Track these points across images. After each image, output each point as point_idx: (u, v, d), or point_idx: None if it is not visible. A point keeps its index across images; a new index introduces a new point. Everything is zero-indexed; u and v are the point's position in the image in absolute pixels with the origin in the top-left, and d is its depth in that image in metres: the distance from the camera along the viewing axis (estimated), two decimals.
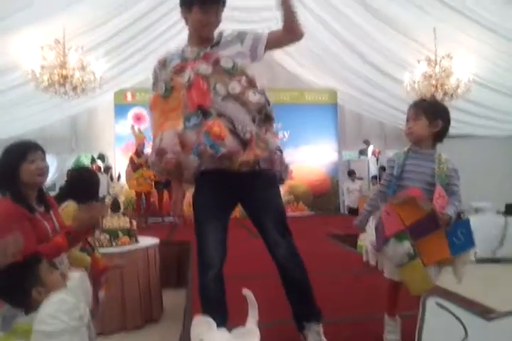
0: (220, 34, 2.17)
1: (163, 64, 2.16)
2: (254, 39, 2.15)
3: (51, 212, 2.11)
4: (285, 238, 2.12)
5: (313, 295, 2.19)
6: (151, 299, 4.30)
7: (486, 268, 4.88)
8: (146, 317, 4.20)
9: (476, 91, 6.95)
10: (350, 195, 9.34)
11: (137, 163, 7.54)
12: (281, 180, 2.23)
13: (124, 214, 4.31)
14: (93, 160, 8.69)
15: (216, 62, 2.03)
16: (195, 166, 2.01)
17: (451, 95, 6.77)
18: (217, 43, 2.13)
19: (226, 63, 2.03)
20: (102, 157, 8.64)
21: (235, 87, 2.00)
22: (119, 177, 5.72)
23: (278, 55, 9.57)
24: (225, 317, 2.05)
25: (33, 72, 5.79)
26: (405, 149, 2.18)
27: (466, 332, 1.42)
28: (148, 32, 7.42)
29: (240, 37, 2.15)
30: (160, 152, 2.02)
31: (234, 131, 1.95)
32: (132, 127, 8.71)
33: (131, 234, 4.21)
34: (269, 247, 2.13)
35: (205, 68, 2.01)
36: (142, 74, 9.45)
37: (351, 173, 9.37)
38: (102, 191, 8.23)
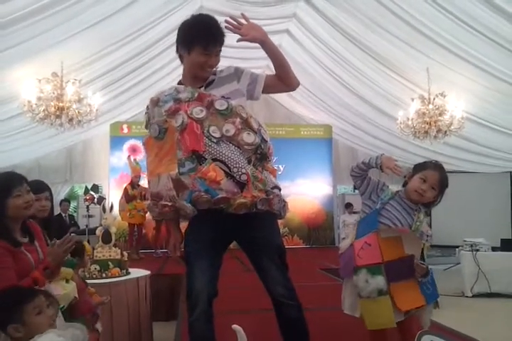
0: (214, 71, 2.15)
1: (155, 103, 2.13)
2: (251, 78, 2.15)
3: (35, 243, 2.07)
4: (284, 277, 2.08)
5: (308, 334, 2.12)
6: (140, 332, 4.19)
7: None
8: None
9: (469, 128, 7.05)
10: (346, 228, 9.28)
11: (131, 195, 7.51)
12: (280, 217, 2.19)
13: (115, 245, 4.26)
14: (86, 191, 8.65)
15: (210, 105, 2.02)
16: (190, 213, 1.98)
17: (445, 132, 6.86)
18: (212, 81, 2.12)
19: (220, 105, 2.02)
20: (95, 188, 8.61)
21: (230, 129, 2.00)
22: (111, 208, 5.67)
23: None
24: None
25: (30, 103, 5.84)
26: (394, 191, 2.23)
27: None
28: (145, 68, 7.56)
29: (237, 74, 2.15)
30: (155, 197, 2.03)
31: (229, 174, 1.95)
32: (129, 158, 8.73)
33: (121, 266, 4.14)
34: (267, 284, 2.09)
35: (198, 111, 2.00)
36: (138, 108, 9.59)
37: (348, 206, 9.36)
38: (95, 222, 8.18)
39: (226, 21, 2.06)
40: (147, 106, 2.19)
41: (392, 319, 1.96)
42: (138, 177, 7.86)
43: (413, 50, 6.06)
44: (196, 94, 2.06)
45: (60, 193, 9.43)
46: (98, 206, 8.33)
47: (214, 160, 1.95)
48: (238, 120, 2.03)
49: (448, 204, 8.29)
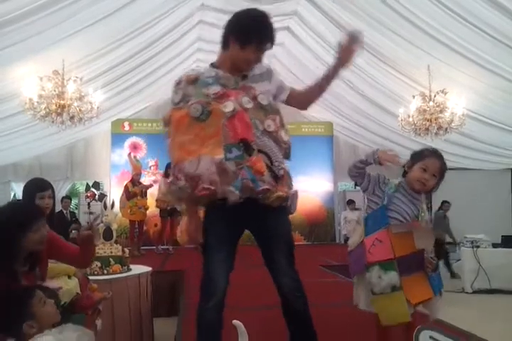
0: None
1: (192, 82, 2.08)
2: (281, 84, 2.21)
3: (36, 270, 2.01)
4: (292, 269, 2.12)
5: (313, 327, 2.15)
6: (141, 328, 4.22)
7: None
8: None
9: (470, 125, 7.05)
10: (347, 224, 9.29)
11: (131, 192, 7.52)
12: (290, 213, 2.23)
13: (116, 242, 4.28)
14: (88, 188, 8.66)
15: (254, 98, 2.05)
16: (234, 199, 1.94)
17: (446, 129, 6.86)
18: (246, 76, 2.12)
19: (263, 100, 2.06)
20: (96, 185, 8.61)
21: (271, 125, 2.05)
22: (112, 205, 5.69)
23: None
24: None
25: (31, 101, 5.84)
26: (396, 182, 2.21)
27: None
28: (146, 65, 7.56)
29: (269, 75, 2.18)
30: (194, 179, 1.96)
31: (270, 167, 2.00)
32: (129, 155, 8.74)
33: (123, 262, 4.16)
34: (275, 276, 2.12)
35: (247, 102, 2.02)
36: (140, 105, 9.61)
37: (350, 202, 9.37)
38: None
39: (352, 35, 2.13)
40: (177, 83, 2.13)
41: (407, 313, 1.97)
42: (139, 174, 7.88)
43: (414, 48, 6.05)
44: (240, 84, 2.08)
45: (61, 190, 9.44)
46: (99, 203, 8.34)
47: (259, 151, 1.98)
48: (278, 117, 2.09)
49: (449, 200, 8.30)
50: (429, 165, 2.14)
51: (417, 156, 2.21)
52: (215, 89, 2.03)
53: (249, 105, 2.01)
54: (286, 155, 2.15)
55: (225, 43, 2.10)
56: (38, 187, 2.78)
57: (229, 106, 1.98)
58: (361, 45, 2.17)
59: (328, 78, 2.23)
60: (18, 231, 1.84)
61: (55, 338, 1.67)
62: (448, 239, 8.39)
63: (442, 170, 2.17)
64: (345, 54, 2.17)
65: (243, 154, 1.95)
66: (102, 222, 4.47)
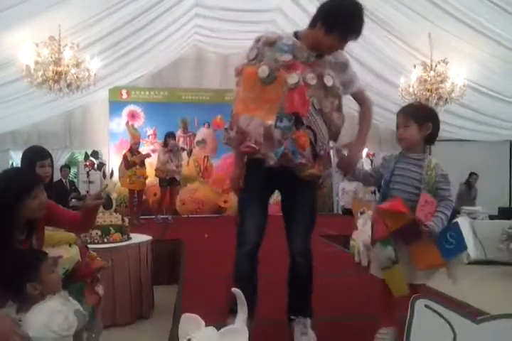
0: None
1: (269, 44, 2.15)
2: (351, 79, 2.28)
3: (33, 237, 2.01)
4: (305, 238, 2.25)
5: (310, 294, 2.30)
6: (141, 296, 4.29)
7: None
8: (136, 313, 4.19)
9: (471, 96, 7.00)
10: (345, 195, 9.35)
11: (130, 161, 7.52)
12: (320, 189, 2.39)
13: (116, 211, 4.30)
14: (86, 157, 8.66)
15: (320, 76, 2.12)
16: (272, 164, 2.10)
17: (446, 99, 6.81)
18: (321, 56, 2.16)
19: (328, 81, 2.13)
20: (95, 154, 8.62)
21: (328, 106, 2.14)
22: (111, 174, 5.72)
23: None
24: (253, 295, 2.19)
25: (28, 67, 5.76)
26: (397, 153, 2.22)
27: (455, 334, 1.43)
28: (144, 31, 7.40)
29: (343, 67, 2.23)
30: (243, 134, 2.11)
31: (313, 144, 2.11)
32: (127, 124, 8.69)
33: (123, 231, 4.20)
34: (289, 240, 2.27)
35: (311, 78, 2.09)
36: (137, 73, 9.46)
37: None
38: (95, 188, 8.22)
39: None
40: (256, 40, 2.21)
41: (403, 286, 2.02)
42: (137, 143, 7.85)
43: (416, 16, 5.93)
44: (312, 60, 2.13)
45: (60, 159, 9.42)
46: (98, 172, 8.36)
47: (307, 127, 2.08)
48: (336, 101, 2.18)
49: (447, 172, 8.33)
50: (397, 121, 2.17)
51: None
52: (287, 57, 2.10)
53: (313, 82, 2.09)
54: (334, 138, 2.27)
55: (313, 22, 2.14)
56: (38, 155, 2.77)
57: (294, 78, 2.06)
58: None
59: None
60: (17, 197, 1.83)
61: (60, 302, 1.72)
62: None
63: (412, 116, 2.13)
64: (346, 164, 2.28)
65: (292, 126, 2.06)
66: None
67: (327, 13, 2.10)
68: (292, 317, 2.26)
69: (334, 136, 2.26)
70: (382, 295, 2.18)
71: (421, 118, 2.12)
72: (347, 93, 2.30)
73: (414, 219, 2.00)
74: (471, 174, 8.85)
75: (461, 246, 2.02)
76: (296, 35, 2.21)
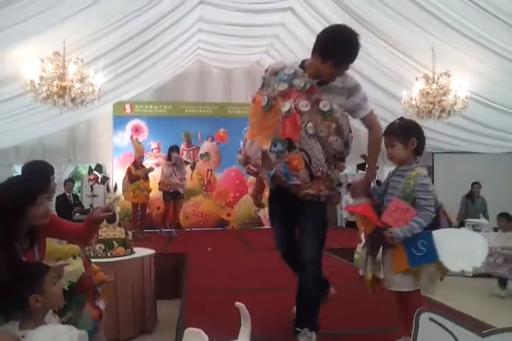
0: None
1: (274, 73, 2.38)
2: (360, 103, 2.39)
3: (35, 246, 2.01)
4: (310, 253, 2.40)
5: (316, 307, 2.39)
6: (145, 310, 4.27)
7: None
8: (139, 328, 4.17)
9: (473, 108, 7.00)
10: None
11: (134, 175, 7.54)
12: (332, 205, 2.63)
13: (119, 225, 4.30)
14: (90, 171, 8.68)
15: (316, 102, 2.26)
16: (267, 184, 2.49)
17: (449, 112, 6.81)
18: (327, 83, 2.31)
19: (324, 106, 2.26)
20: (99, 168, 8.63)
21: (324, 130, 2.27)
22: (115, 188, 5.72)
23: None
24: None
25: (32, 82, 5.81)
26: (393, 169, 2.38)
27: None
28: (148, 46, 7.48)
29: (351, 92, 2.35)
30: (245, 158, 2.42)
31: (308, 166, 2.26)
32: (132, 138, 8.73)
33: (126, 245, 4.19)
34: (299, 252, 2.46)
35: (304, 105, 2.25)
36: (141, 87, 9.54)
37: (350, 186, 9.37)
38: (99, 202, 8.23)
39: None
40: (265, 70, 2.47)
41: (368, 285, 2.26)
42: (141, 157, 7.89)
43: (418, 29, 5.96)
44: (309, 86, 2.28)
45: (64, 173, 9.47)
46: (102, 186, 8.37)
47: (301, 150, 2.25)
48: (334, 125, 2.29)
49: (450, 184, 8.33)
50: (384, 142, 2.34)
51: None
52: (283, 86, 2.30)
53: (306, 108, 2.25)
54: (339, 158, 2.41)
55: (313, 51, 2.32)
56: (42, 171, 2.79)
57: (286, 107, 2.26)
58: None
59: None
60: (23, 205, 1.84)
61: (65, 326, 1.72)
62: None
63: (395, 134, 2.28)
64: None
65: (285, 150, 2.25)
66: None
67: (321, 43, 2.27)
68: (298, 329, 2.30)
69: (338, 157, 2.39)
70: (399, 306, 2.24)
71: (404, 135, 2.25)
72: (355, 117, 2.44)
73: (377, 226, 2.14)
74: (473, 184, 8.81)
75: (432, 255, 2.06)
76: (303, 63, 2.38)
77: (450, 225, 2.26)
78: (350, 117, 2.44)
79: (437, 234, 2.09)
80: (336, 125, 2.28)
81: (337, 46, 2.22)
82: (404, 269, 2.10)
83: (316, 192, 2.30)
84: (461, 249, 2.05)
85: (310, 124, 2.23)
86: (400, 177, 2.25)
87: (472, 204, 8.74)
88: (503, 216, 5.77)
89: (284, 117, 2.25)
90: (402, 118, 2.40)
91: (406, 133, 2.26)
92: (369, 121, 2.46)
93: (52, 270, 1.81)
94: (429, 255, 2.06)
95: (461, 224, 8.37)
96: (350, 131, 2.41)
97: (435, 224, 2.15)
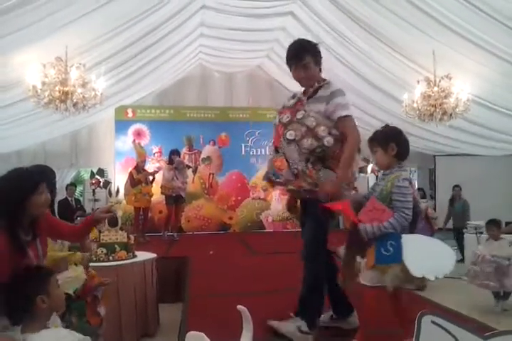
0: (320, 87, 2.71)
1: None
2: (336, 108, 2.62)
3: (37, 240, 2.05)
4: (308, 243, 2.75)
5: (310, 300, 2.60)
6: (147, 313, 4.27)
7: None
8: (141, 331, 4.16)
9: (475, 111, 7.00)
10: None
11: (136, 179, 7.55)
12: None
13: (121, 228, 4.30)
14: (92, 175, 8.71)
15: (295, 113, 2.65)
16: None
17: (450, 115, 6.81)
18: (315, 94, 2.70)
19: (298, 115, 2.64)
20: (101, 172, 8.66)
21: (298, 134, 2.59)
22: (117, 192, 5.74)
23: (278, 73, 9.69)
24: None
25: (34, 88, 5.83)
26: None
27: None
28: (150, 51, 7.50)
29: (329, 98, 2.65)
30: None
31: (290, 166, 2.62)
32: (134, 142, 8.75)
33: (128, 249, 4.19)
34: None
35: (285, 118, 2.69)
36: (143, 92, 9.57)
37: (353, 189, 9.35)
38: (101, 206, 8.24)
39: None
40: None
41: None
42: (143, 161, 7.90)
43: (419, 32, 5.97)
44: (294, 102, 2.75)
45: (66, 177, 9.48)
46: (104, 190, 8.39)
47: (283, 153, 2.66)
48: (304, 128, 2.58)
49: (451, 187, 8.28)
50: (369, 149, 2.49)
51: None
52: (280, 107, 2.84)
53: (286, 120, 2.67)
54: (323, 157, 2.59)
55: None
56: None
57: (274, 121, 2.81)
58: None
59: None
60: (27, 193, 1.91)
61: (67, 331, 1.74)
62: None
63: (375, 142, 2.43)
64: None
65: (275, 155, 2.74)
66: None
67: None
68: (292, 314, 2.62)
69: (321, 156, 2.58)
70: (399, 309, 2.28)
71: (383, 141, 2.38)
72: (333, 118, 2.62)
73: (350, 223, 2.26)
74: (454, 187, 8.74)
75: (397, 256, 2.12)
76: None
77: (432, 231, 2.28)
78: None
79: (408, 238, 2.14)
80: (306, 128, 2.57)
81: (288, 51, 2.79)
82: (370, 265, 2.19)
83: (297, 188, 2.63)
84: (429, 256, 2.10)
85: (291, 132, 2.61)
86: (382, 181, 2.34)
87: (452, 208, 8.72)
88: (492, 224, 5.23)
89: (274, 129, 2.77)
90: (386, 125, 2.51)
91: (386, 139, 2.37)
92: (343, 128, 2.60)
93: (54, 273, 1.88)
94: (394, 256, 2.11)
95: (456, 229, 8.36)
96: (332, 134, 2.57)
97: (411, 228, 2.21)
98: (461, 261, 7.70)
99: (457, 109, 6.68)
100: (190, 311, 3.13)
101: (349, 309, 2.78)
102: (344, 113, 2.60)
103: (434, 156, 10.42)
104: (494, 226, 5.13)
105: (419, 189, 9.78)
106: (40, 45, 5.66)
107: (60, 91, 6.00)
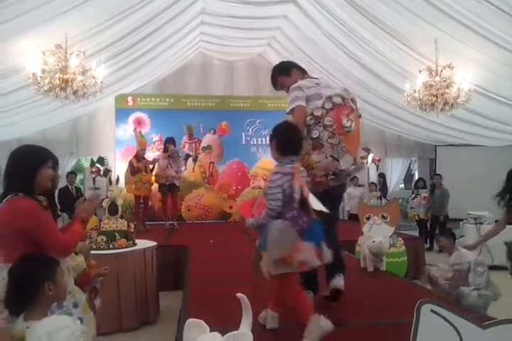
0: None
1: None
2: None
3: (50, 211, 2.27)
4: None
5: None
6: (147, 301, 4.29)
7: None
8: (142, 319, 4.19)
9: (477, 101, 6.97)
10: (351, 201, 9.29)
11: (136, 167, 7.54)
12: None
13: (122, 217, 4.31)
14: (92, 164, 8.69)
15: None
16: None
17: (452, 105, 6.78)
18: None
19: None
20: (101, 160, 8.64)
21: None
22: (117, 180, 5.74)
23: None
24: None
25: (34, 75, 5.80)
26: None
27: (461, 339, 1.41)
28: (150, 39, 7.45)
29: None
30: None
31: None
32: (135, 131, 8.72)
33: (128, 237, 4.20)
34: None
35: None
36: (143, 80, 9.51)
37: (353, 178, 9.35)
38: (101, 194, 8.24)
39: None
40: None
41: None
42: (143, 150, 7.88)
43: (421, 21, 5.92)
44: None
45: (66, 166, 9.48)
46: (104, 178, 8.38)
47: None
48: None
49: (453, 177, 8.33)
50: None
51: None
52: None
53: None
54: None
55: None
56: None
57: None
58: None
59: None
60: (37, 165, 2.15)
61: (70, 319, 1.75)
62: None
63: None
64: None
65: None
66: (107, 197, 4.48)
67: None
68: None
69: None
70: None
71: (270, 137, 2.52)
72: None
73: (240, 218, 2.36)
74: (434, 175, 8.80)
75: (263, 244, 2.25)
76: None
77: (308, 218, 2.26)
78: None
79: (271, 226, 2.21)
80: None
81: None
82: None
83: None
84: (277, 241, 2.17)
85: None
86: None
87: (431, 196, 8.83)
88: (443, 235, 4.38)
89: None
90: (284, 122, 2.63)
91: (271, 135, 2.52)
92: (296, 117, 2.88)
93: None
94: (262, 244, 2.26)
95: (434, 217, 8.64)
96: (303, 124, 2.82)
97: (278, 217, 2.25)
98: (429, 249, 7.94)
99: (459, 99, 6.65)
100: (190, 299, 3.15)
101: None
102: (289, 108, 3.00)
103: (435, 146, 10.43)
104: (445, 239, 4.32)
105: (419, 179, 9.80)
106: (40, 33, 5.62)
107: (60, 79, 5.97)
